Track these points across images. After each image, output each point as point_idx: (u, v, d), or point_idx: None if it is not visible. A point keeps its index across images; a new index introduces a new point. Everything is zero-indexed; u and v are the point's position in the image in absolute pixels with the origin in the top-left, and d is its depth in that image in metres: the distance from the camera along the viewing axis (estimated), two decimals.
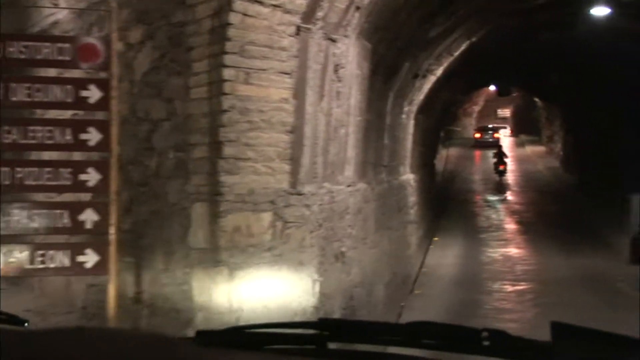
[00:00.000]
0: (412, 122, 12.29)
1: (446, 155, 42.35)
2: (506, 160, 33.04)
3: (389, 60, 7.95)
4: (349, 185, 6.34)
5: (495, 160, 32.95)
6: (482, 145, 43.06)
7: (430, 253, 13.64)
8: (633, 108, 18.40)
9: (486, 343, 1.46)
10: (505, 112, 67.05)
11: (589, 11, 12.33)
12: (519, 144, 48.35)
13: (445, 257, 13.07)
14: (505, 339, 1.46)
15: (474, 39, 11.70)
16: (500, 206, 23.32)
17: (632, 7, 11.73)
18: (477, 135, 46.86)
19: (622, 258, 12.66)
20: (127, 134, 5.86)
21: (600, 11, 12.15)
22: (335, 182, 5.90)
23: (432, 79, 11.96)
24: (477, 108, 61.33)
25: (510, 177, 33.43)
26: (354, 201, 6.55)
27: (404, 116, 11.10)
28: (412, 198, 12.65)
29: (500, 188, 29.55)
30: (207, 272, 4.96)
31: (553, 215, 20.34)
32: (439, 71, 12.02)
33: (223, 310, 4.86)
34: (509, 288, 10.33)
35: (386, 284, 8.73)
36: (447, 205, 22.55)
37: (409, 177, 12.10)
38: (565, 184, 29.42)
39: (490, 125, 49.87)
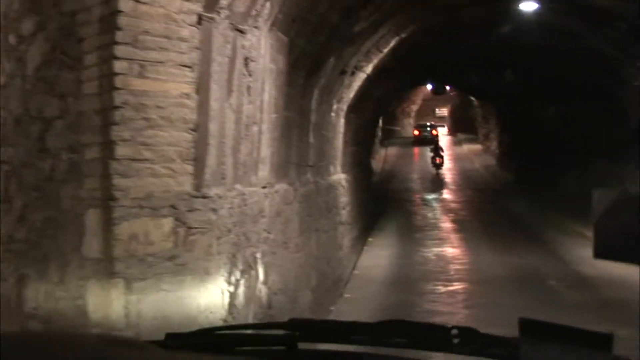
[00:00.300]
0: (342, 121, 11.99)
1: (385, 155, 42.40)
2: (442, 154, 34.90)
3: (311, 55, 7.60)
4: (264, 187, 5.95)
5: (432, 154, 35.01)
6: (421, 141, 44.38)
7: (364, 254, 13.37)
8: (567, 104, 18.55)
9: (456, 340, 1.48)
10: (443, 111, 67.91)
11: (518, 7, 12.25)
12: (457, 142, 48.79)
13: (379, 258, 12.82)
14: (474, 336, 1.49)
15: (403, 35, 11.47)
16: (436, 205, 23.30)
17: (558, 2, 11.71)
18: (416, 132, 48.21)
19: (554, 256, 12.64)
20: (21, 135, 5.36)
21: (528, 6, 12.08)
22: (247, 184, 5.51)
23: (362, 77, 11.69)
24: (415, 107, 61.76)
25: (447, 176, 33.61)
26: (271, 203, 6.17)
27: (332, 114, 10.79)
28: (344, 198, 12.36)
29: (437, 186, 29.63)
30: (102, 284, 4.51)
31: (488, 214, 20.39)
32: (369, 68, 11.75)
33: (120, 327, 4.42)
34: (442, 289, 10.11)
35: (313, 288, 8.39)
36: (384, 204, 22.40)
37: (340, 177, 11.80)
38: (501, 182, 29.70)
39: (428, 123, 51.35)
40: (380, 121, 43.15)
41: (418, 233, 16.22)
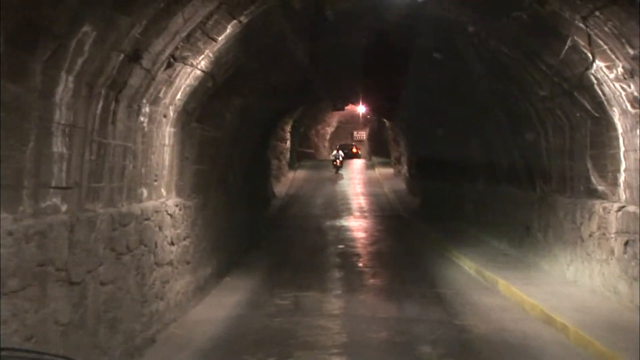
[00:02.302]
0: (170, 130, 9.20)
1: (292, 178, 39.84)
2: (342, 157, 43.28)
3: (33, 20, 4.83)
4: None
5: (332, 159, 43.28)
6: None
7: (207, 300, 10.57)
8: (469, 121, 16.27)
9: None
10: (361, 135, 66.41)
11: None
12: (370, 166, 46.85)
13: (223, 308, 10.02)
14: None
15: (243, 19, 8.80)
16: (332, 233, 20.71)
17: None
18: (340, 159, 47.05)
19: (441, 305, 10.14)
20: None
21: None
22: None
23: (193, 73, 8.94)
24: (330, 130, 59.53)
25: (354, 201, 31.28)
26: None
27: (143, 119, 7.98)
28: (176, 230, 9.52)
29: (340, 213, 27.21)
30: None
31: (384, 245, 17.92)
32: (203, 63, 9.02)
33: None
34: None
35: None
36: (269, 234, 19.68)
37: (163, 203, 8.97)
38: (408, 207, 27.53)
39: (350, 143, 57.36)
40: (288, 143, 40.81)
41: (293, 270, 13.50)
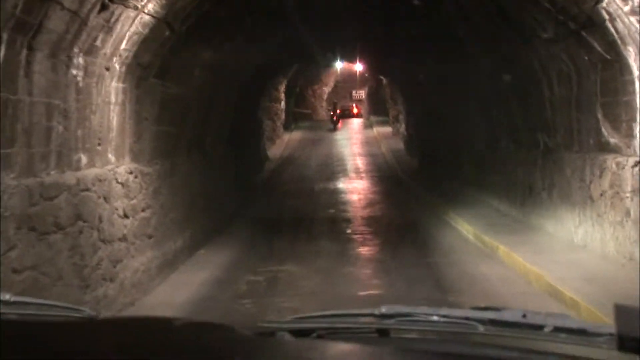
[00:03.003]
0: (117, 86, 7.99)
1: (287, 140, 38.57)
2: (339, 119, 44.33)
3: None
4: None
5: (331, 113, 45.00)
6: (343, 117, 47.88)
7: (172, 278, 9.46)
8: (467, 75, 14.98)
9: (548, 329, 1.59)
10: (360, 94, 64.95)
11: None
12: (368, 126, 45.50)
13: (188, 287, 8.91)
14: (569, 324, 1.59)
15: None
16: (324, 198, 19.57)
17: None
18: (338, 111, 48.26)
19: (431, 277, 9.01)
20: None
21: None
22: None
23: (136, 17, 7.69)
24: (327, 89, 57.99)
25: (349, 162, 30.09)
26: None
27: (76, 72, 6.77)
28: (127, 201, 8.36)
29: (335, 174, 26.04)
30: None
31: (379, 210, 16.79)
32: (149, 5, 7.77)
33: None
34: None
35: None
36: (258, 199, 18.56)
37: (109, 170, 7.80)
38: (406, 169, 26.32)
39: (349, 103, 54.60)
40: (283, 103, 39.41)
41: (271, 240, 12.37)
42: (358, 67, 52.25)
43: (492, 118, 14.19)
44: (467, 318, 1.71)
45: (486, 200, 15.05)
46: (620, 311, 1.36)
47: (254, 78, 17.11)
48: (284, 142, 37.70)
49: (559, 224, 10.66)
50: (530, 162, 12.11)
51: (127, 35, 7.68)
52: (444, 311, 1.78)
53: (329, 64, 39.34)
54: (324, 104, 57.56)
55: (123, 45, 7.72)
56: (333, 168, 28.03)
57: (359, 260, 10.42)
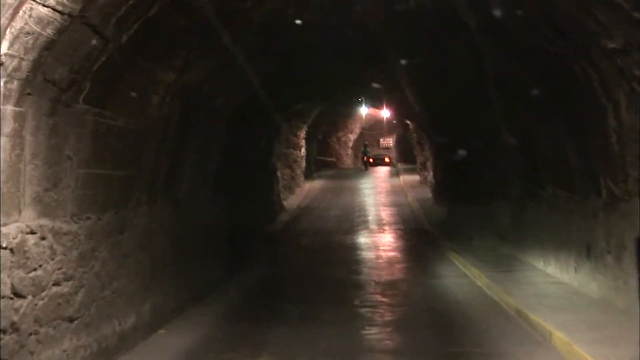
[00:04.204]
0: (7, 111, 5.58)
1: (308, 189, 36.07)
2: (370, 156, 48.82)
3: None
4: None
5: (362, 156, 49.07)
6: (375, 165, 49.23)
7: None
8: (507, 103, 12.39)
9: None
10: (388, 142, 62.84)
11: None
12: (394, 174, 42.94)
13: None
14: None
15: None
16: (339, 255, 16.94)
17: None
18: (371, 160, 49.90)
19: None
20: None
21: None
22: None
23: (17, 5, 5.31)
24: (353, 137, 55.54)
25: (372, 213, 27.45)
26: None
27: None
28: (22, 272, 5.87)
29: (355, 227, 23.42)
30: None
31: (401, 273, 14.12)
32: None
33: None
34: None
35: None
36: (261, 256, 16.04)
37: None
38: (433, 220, 23.56)
39: (383, 153, 54.98)
40: (304, 150, 36.97)
41: (260, 314, 9.76)
42: (385, 113, 50.14)
43: (534, 157, 11.57)
44: None
45: (528, 262, 12.35)
46: None
47: (248, 112, 14.67)
48: (304, 191, 35.23)
49: (632, 299, 7.90)
50: (587, 214, 9.42)
51: (7, 32, 5.29)
52: None
53: (350, 108, 37.33)
54: (350, 151, 55.05)
55: (3, 49, 5.32)
56: (353, 220, 25.44)
57: (363, 351, 7.71)
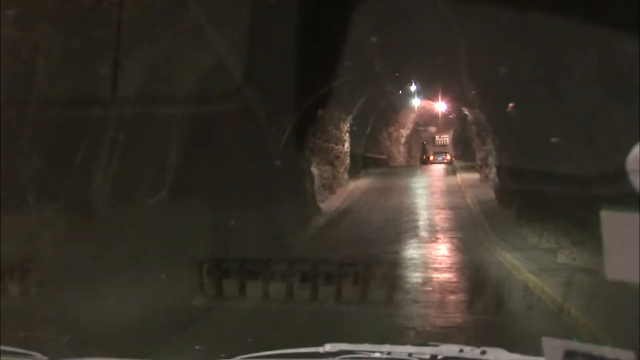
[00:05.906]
0: None
1: (351, 189, 31.91)
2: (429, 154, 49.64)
3: None
4: None
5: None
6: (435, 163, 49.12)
7: None
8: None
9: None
10: (445, 139, 59.25)
11: None
12: (450, 172, 38.49)
13: None
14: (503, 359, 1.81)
15: None
16: (374, 272, 12.73)
17: None
18: (432, 157, 50.55)
19: None
20: None
21: None
22: None
23: None
24: (405, 132, 51.04)
25: (423, 218, 23.21)
26: None
27: None
28: None
29: (401, 235, 19.24)
30: None
31: (455, 305, 9.95)
32: None
33: None
34: None
35: None
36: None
37: None
38: (498, 226, 19.11)
39: (443, 150, 53.00)
40: (347, 145, 32.84)
41: None
42: (440, 106, 45.76)
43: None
44: (409, 354, 1.98)
45: None
46: (548, 345, 1.48)
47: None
48: (347, 191, 31.14)
49: None
50: None
51: None
52: (387, 348, 2.06)
53: (401, 98, 33.43)
54: (402, 148, 50.62)
55: None
56: (401, 225, 21.19)
57: None
